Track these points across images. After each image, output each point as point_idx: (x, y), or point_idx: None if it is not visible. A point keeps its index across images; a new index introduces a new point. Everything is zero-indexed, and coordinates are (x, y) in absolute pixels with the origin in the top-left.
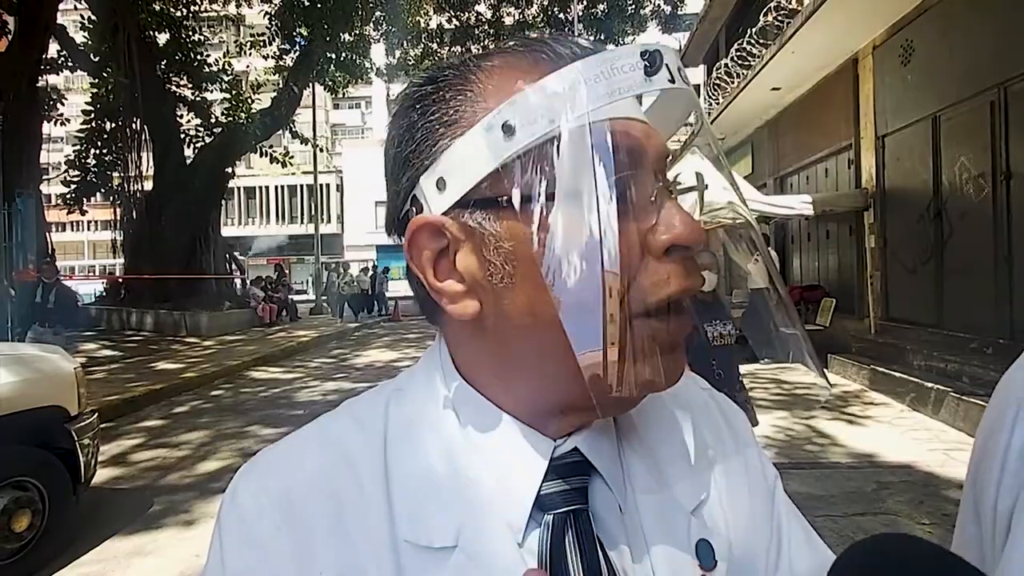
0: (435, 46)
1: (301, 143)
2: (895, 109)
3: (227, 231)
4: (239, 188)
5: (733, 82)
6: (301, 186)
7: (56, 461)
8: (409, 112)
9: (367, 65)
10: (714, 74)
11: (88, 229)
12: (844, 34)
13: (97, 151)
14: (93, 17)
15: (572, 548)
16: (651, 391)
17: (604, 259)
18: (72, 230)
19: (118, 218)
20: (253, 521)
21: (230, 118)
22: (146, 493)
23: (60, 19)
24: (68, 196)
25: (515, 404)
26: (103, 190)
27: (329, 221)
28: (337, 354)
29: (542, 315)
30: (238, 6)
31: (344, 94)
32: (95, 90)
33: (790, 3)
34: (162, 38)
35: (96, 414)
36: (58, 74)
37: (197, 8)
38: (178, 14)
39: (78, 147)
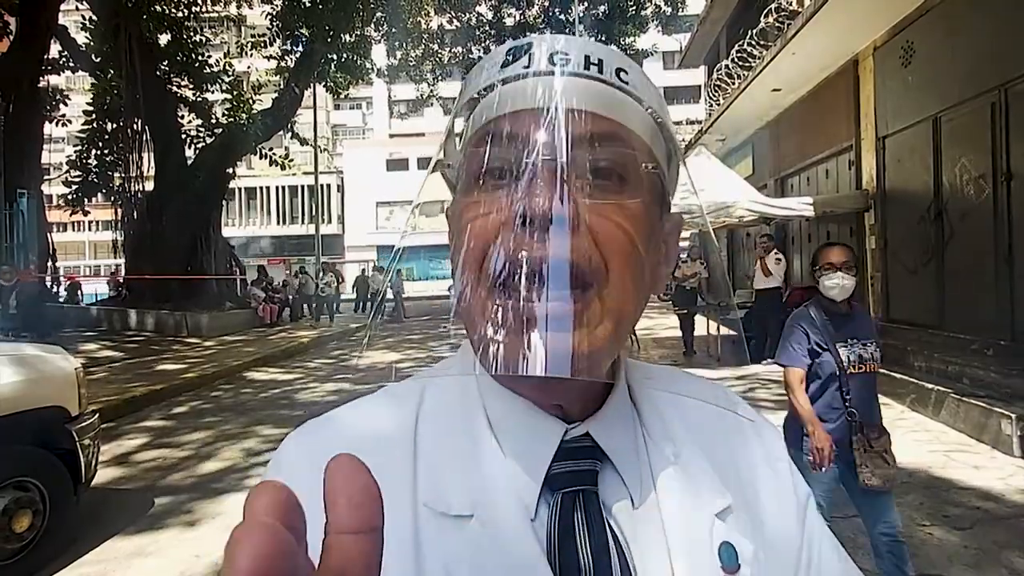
0: (436, 47)
1: (302, 144)
2: (896, 110)
3: (227, 232)
4: (240, 188)
5: (734, 83)
6: (302, 186)
7: (57, 461)
8: None
9: (368, 66)
10: (715, 75)
11: (89, 229)
12: (845, 35)
13: (98, 151)
14: (94, 18)
15: (581, 526)
16: (519, 372)
17: (462, 234)
18: (73, 230)
19: (119, 218)
20: (291, 474)
21: (231, 119)
22: (147, 493)
23: (61, 20)
24: (69, 196)
25: (529, 390)
26: (104, 190)
27: (330, 221)
28: (338, 355)
29: None
30: (239, 7)
31: (346, 95)
32: (96, 91)
33: (791, 4)
34: (163, 39)
35: (97, 414)
36: (59, 75)
37: (198, 9)
38: (179, 15)
39: (79, 147)
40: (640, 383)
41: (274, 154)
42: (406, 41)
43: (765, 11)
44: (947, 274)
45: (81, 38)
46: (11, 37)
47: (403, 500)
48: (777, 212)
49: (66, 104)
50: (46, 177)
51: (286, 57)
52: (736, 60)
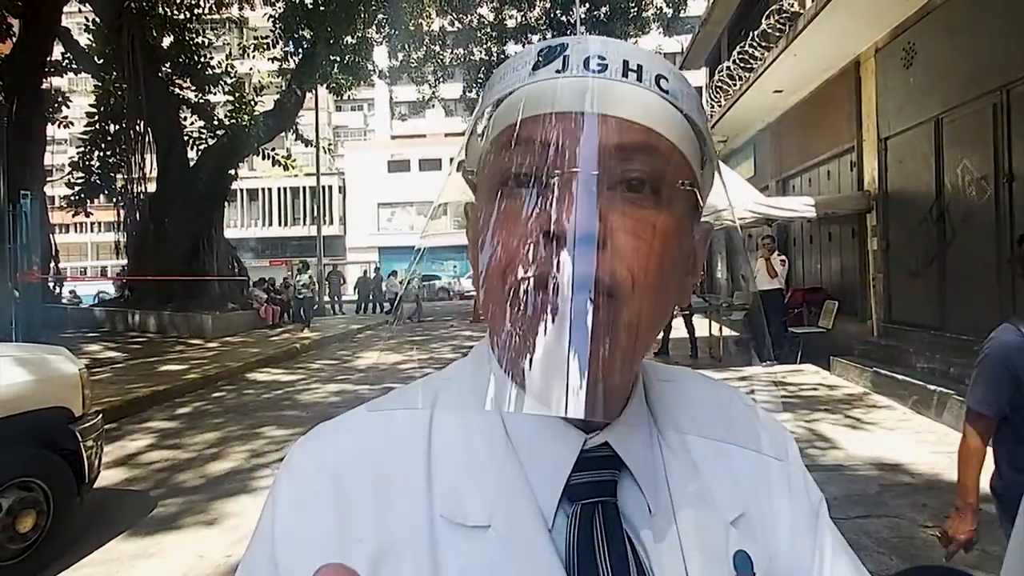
0: (437, 48)
1: (305, 144)
2: (897, 111)
3: (229, 233)
4: (242, 190)
5: (735, 85)
6: (303, 188)
7: (60, 462)
8: None
9: (370, 67)
10: (716, 77)
11: (92, 231)
12: (846, 37)
13: (101, 153)
14: (97, 19)
15: (600, 537)
16: (548, 411)
17: (485, 243)
18: (76, 232)
19: (121, 220)
20: (304, 485)
21: (233, 120)
22: (150, 494)
23: (64, 21)
24: (72, 198)
25: None
26: (107, 192)
27: (331, 223)
28: (342, 355)
29: None
30: (241, 9)
31: (348, 96)
32: (99, 92)
33: (792, 6)
34: (166, 41)
35: (100, 415)
36: (62, 76)
37: (201, 11)
38: (182, 17)
39: (82, 149)
40: (655, 386)
41: (276, 154)
42: (408, 43)
43: (766, 13)
44: (949, 275)
45: (84, 40)
46: (14, 39)
47: (419, 511)
48: (779, 213)
49: (69, 106)
50: (49, 179)
51: (288, 59)
52: (737, 61)
